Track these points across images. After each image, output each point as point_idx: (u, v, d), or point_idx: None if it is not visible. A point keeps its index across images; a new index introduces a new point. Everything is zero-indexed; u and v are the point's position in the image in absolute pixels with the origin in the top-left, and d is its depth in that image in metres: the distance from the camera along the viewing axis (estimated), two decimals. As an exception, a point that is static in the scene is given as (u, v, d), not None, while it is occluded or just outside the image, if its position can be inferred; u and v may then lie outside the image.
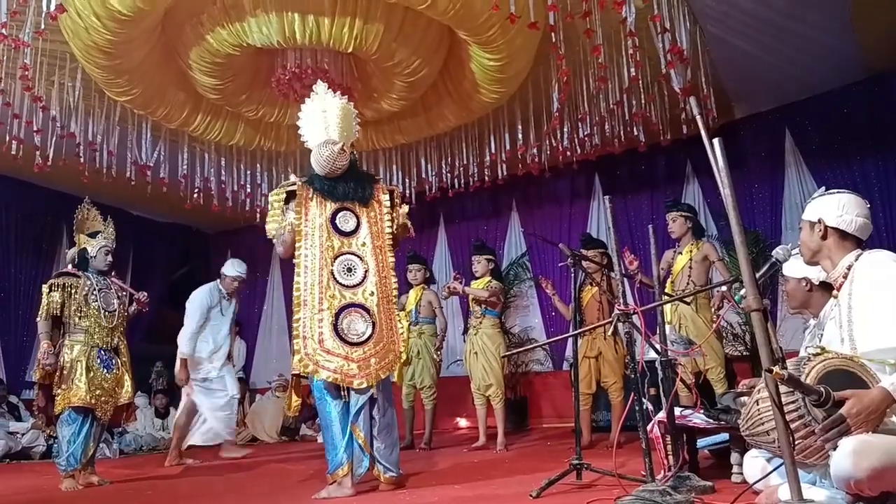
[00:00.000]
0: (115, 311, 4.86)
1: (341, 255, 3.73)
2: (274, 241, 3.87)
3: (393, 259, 3.89)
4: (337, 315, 3.62)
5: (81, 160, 6.27)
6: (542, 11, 4.50)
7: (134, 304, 5.06)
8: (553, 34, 4.74)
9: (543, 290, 6.32)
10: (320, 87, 3.99)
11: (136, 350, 5.47)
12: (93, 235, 4.94)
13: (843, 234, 2.37)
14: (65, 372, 4.60)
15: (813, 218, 2.43)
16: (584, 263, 5.31)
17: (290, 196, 3.80)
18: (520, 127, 6.62)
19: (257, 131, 6.71)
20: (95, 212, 5.10)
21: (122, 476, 5.11)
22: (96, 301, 4.76)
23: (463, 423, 8.20)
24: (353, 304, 3.67)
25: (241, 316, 10.27)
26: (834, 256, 2.39)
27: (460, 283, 5.93)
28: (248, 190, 7.60)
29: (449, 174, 7.54)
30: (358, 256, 3.75)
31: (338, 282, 3.68)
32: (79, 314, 4.70)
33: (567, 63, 5.24)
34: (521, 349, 6.05)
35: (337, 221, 3.78)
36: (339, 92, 4.07)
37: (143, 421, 8.26)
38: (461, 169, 7.40)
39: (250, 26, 5.04)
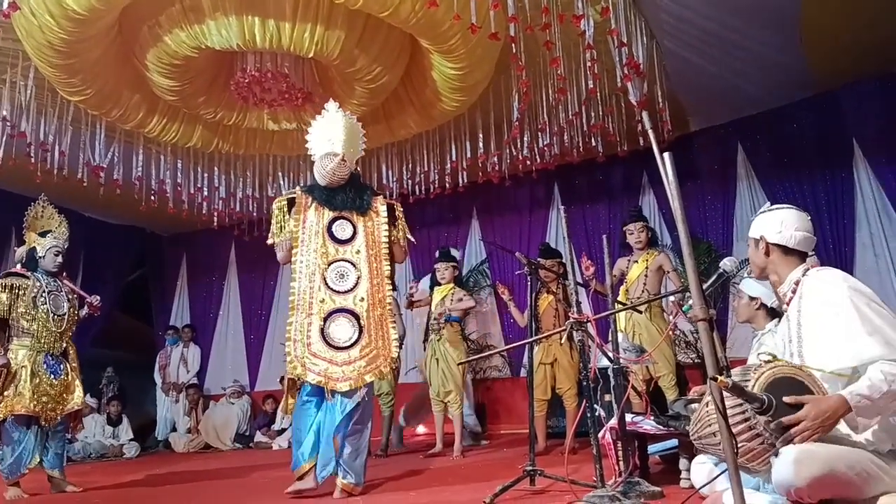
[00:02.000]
0: (64, 314, 4.69)
1: (335, 261, 3.87)
2: (275, 247, 3.99)
3: (389, 268, 3.99)
4: (325, 319, 3.74)
5: (32, 160, 6.11)
6: (503, 22, 4.55)
7: (85, 307, 4.90)
8: (513, 45, 4.80)
9: (501, 297, 6.38)
10: (331, 105, 4.14)
11: (85, 354, 5.32)
12: (43, 235, 4.76)
13: (785, 250, 2.41)
14: (7, 378, 4.42)
15: (756, 235, 2.48)
16: (541, 272, 5.40)
17: (291, 204, 3.95)
18: (480, 135, 6.67)
19: (215, 134, 6.62)
20: (51, 210, 4.92)
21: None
22: (45, 304, 4.59)
23: (420, 429, 8.19)
24: (341, 309, 3.79)
25: (196, 320, 10.14)
26: (780, 271, 2.43)
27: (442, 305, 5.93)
28: (206, 193, 7.49)
29: (410, 181, 7.55)
30: (351, 263, 3.88)
31: (329, 287, 3.81)
32: (26, 317, 4.53)
33: (527, 74, 5.30)
34: (478, 356, 6.09)
35: (333, 229, 3.92)
36: (348, 113, 4.20)
37: (92, 428, 8.06)
38: (422, 176, 7.42)
39: (209, 28, 4.98)
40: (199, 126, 6.47)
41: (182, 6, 4.92)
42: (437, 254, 6.30)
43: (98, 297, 4.91)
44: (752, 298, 3.59)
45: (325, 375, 3.67)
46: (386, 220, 4.04)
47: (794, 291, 2.36)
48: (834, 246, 6.66)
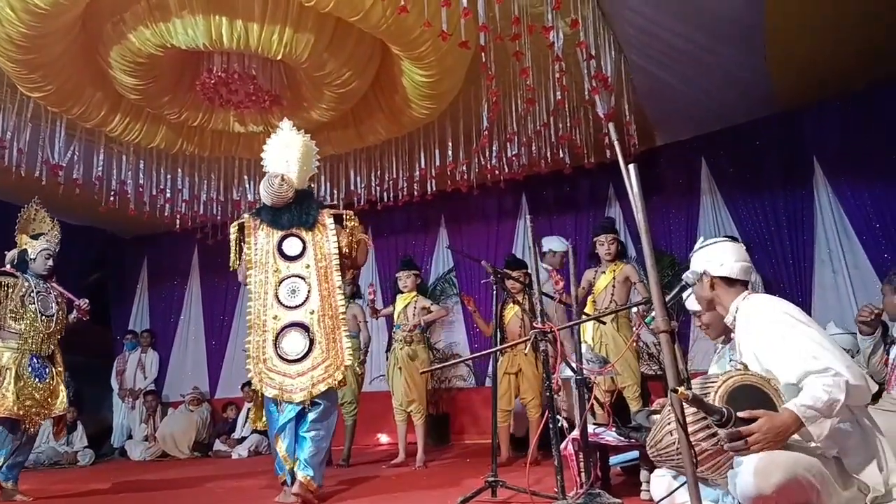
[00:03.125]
0: (52, 315, 4.64)
1: (287, 278, 4.01)
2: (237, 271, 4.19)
3: (339, 279, 4.07)
4: (277, 335, 3.89)
5: (-11, 157, 5.94)
6: (473, 31, 4.55)
7: (74, 311, 4.83)
8: (483, 54, 4.80)
9: (466, 306, 6.37)
10: (286, 123, 4.28)
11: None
12: (35, 237, 4.73)
13: (728, 281, 2.53)
14: None
15: (699, 270, 2.60)
16: (507, 283, 5.40)
17: (242, 229, 4.12)
18: (450, 144, 6.65)
19: (179, 135, 6.50)
20: (44, 213, 4.90)
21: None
22: (33, 304, 4.55)
23: (384, 438, 8.12)
24: (293, 323, 3.92)
25: (156, 325, 9.93)
26: (725, 302, 2.54)
27: (414, 316, 5.89)
28: (168, 195, 7.34)
29: (378, 187, 7.51)
30: (302, 278, 4.00)
31: (282, 304, 3.95)
32: (13, 316, 4.48)
33: (497, 84, 5.31)
34: (441, 365, 6.09)
35: (283, 247, 4.06)
36: (301, 132, 4.30)
37: (42, 434, 7.81)
38: (390, 182, 7.38)
39: (175, 27, 4.89)
40: (162, 126, 6.36)
41: (148, 4, 4.82)
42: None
43: (87, 301, 4.87)
44: (693, 312, 3.57)
45: (281, 388, 3.81)
46: (334, 231, 4.11)
47: (735, 319, 2.48)
48: (793, 261, 6.79)
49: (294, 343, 3.85)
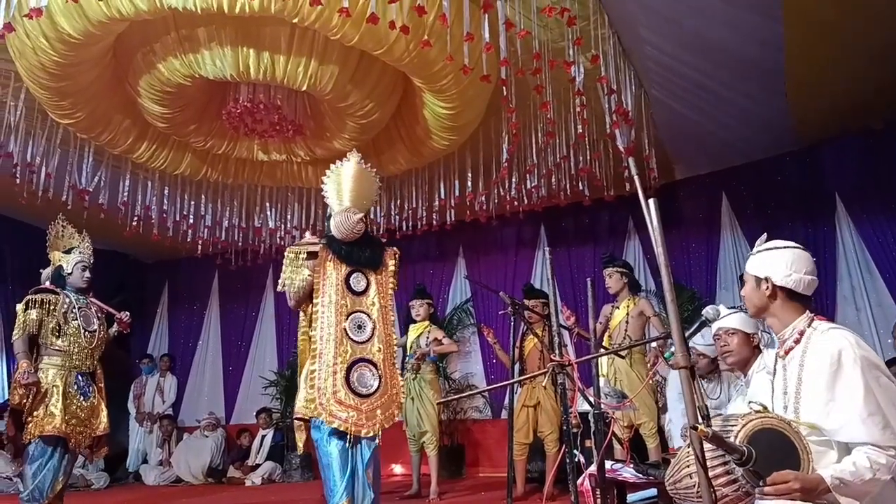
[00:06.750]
0: (94, 330, 4.59)
1: (353, 312, 4.00)
2: (286, 292, 4.07)
3: (394, 317, 4.20)
4: (349, 369, 3.89)
5: (17, 181, 6.05)
6: (495, 65, 4.61)
7: (115, 324, 4.80)
8: (504, 88, 4.86)
9: (486, 338, 6.35)
10: (353, 155, 4.14)
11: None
12: (68, 251, 4.71)
13: (791, 294, 2.26)
14: (38, 397, 4.28)
15: (760, 274, 2.31)
16: (527, 314, 5.39)
17: (310, 255, 4.04)
18: (469, 174, 6.70)
19: (204, 162, 6.61)
20: (71, 229, 4.89)
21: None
22: (76, 319, 4.49)
23: (398, 469, 8.06)
24: (362, 359, 3.94)
25: (174, 349, 9.99)
26: (782, 316, 2.29)
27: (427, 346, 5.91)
28: (192, 221, 7.44)
29: (397, 216, 7.56)
30: (367, 315, 4.04)
31: (350, 338, 3.95)
32: (56, 333, 4.41)
33: (517, 116, 5.36)
34: (456, 396, 6.05)
35: (350, 282, 4.06)
36: (368, 165, 4.20)
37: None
38: (410, 212, 7.43)
39: (204, 58, 5.00)
40: (188, 154, 6.47)
41: (177, 35, 4.94)
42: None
43: (127, 313, 4.81)
44: (750, 335, 3.32)
45: (352, 423, 3.81)
46: (394, 271, 4.18)
47: (796, 342, 2.23)
48: (815, 298, 6.66)
49: (366, 378, 3.90)
